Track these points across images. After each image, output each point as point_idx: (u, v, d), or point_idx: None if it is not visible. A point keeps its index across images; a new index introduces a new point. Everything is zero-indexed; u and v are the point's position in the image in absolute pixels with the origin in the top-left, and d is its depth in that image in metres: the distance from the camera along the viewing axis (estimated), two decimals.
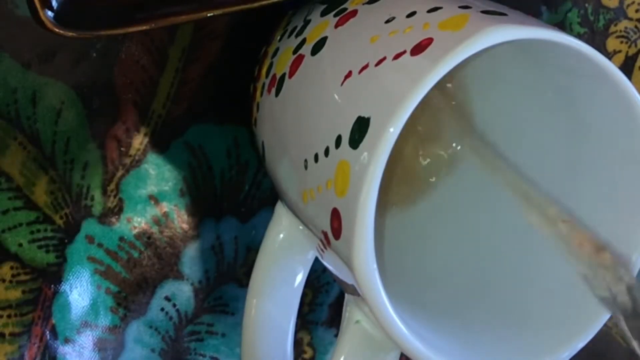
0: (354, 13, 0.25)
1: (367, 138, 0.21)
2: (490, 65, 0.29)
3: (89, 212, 0.30)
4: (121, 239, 0.31)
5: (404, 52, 0.22)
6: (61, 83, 0.29)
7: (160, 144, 0.30)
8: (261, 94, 0.27)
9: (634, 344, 0.21)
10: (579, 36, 0.35)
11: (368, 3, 0.25)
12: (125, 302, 0.31)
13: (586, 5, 0.35)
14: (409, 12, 0.24)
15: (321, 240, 0.24)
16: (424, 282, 0.29)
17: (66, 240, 0.30)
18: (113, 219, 0.30)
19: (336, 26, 0.25)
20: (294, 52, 0.26)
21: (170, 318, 0.32)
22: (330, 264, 0.25)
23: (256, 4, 0.26)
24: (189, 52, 0.30)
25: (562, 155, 0.27)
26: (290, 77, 0.26)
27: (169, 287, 0.32)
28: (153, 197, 0.31)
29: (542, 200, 0.24)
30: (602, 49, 0.36)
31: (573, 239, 0.23)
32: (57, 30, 0.23)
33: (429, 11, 0.23)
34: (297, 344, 0.34)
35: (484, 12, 0.23)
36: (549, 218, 0.24)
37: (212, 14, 0.25)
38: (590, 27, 0.35)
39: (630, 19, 0.36)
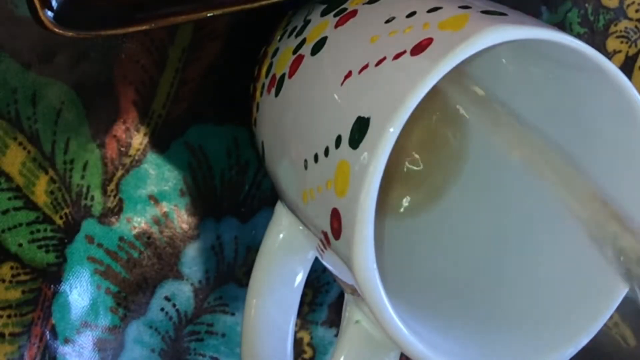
0: (354, 13, 0.25)
1: (367, 138, 0.21)
2: (490, 65, 0.29)
3: (89, 212, 0.30)
4: (121, 239, 0.31)
5: (404, 52, 0.22)
6: (61, 83, 0.29)
7: (160, 144, 0.30)
8: (261, 94, 0.27)
9: None
10: (579, 36, 0.35)
11: (368, 3, 0.25)
12: (125, 302, 0.31)
13: (586, 5, 0.35)
14: (409, 12, 0.24)
15: (321, 240, 0.24)
16: (424, 282, 0.29)
17: (66, 240, 0.30)
18: (113, 219, 0.30)
19: (336, 26, 0.25)
20: (294, 52, 0.26)
21: (170, 318, 0.32)
22: (330, 264, 0.25)
23: (256, 4, 0.26)
24: (189, 52, 0.30)
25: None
26: (290, 77, 0.26)
27: (168, 287, 0.32)
28: (153, 197, 0.31)
29: (568, 172, 0.24)
30: (602, 49, 0.36)
31: (602, 218, 0.23)
32: (56, 30, 0.23)
33: (429, 11, 0.23)
34: (297, 344, 0.34)
35: (484, 12, 0.23)
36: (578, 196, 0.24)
37: (212, 14, 0.25)
38: (590, 27, 0.35)
39: (630, 19, 0.36)
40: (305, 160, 0.24)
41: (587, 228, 0.23)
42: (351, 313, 0.25)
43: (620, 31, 0.36)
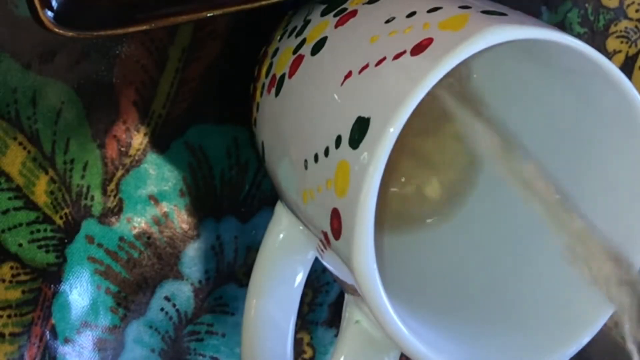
0: (354, 13, 0.25)
1: (367, 138, 0.21)
2: (491, 66, 0.29)
3: (89, 212, 0.30)
4: (121, 239, 0.31)
5: (404, 52, 0.22)
6: (61, 83, 0.29)
7: (160, 144, 0.30)
8: (261, 94, 0.27)
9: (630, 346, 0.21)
10: (579, 36, 0.35)
11: (368, 3, 0.25)
12: (125, 302, 0.31)
13: (586, 5, 0.35)
14: (409, 12, 0.24)
15: (321, 240, 0.24)
16: (424, 283, 0.29)
17: (66, 240, 0.30)
18: (113, 219, 0.30)
19: (336, 26, 0.25)
20: (294, 52, 0.26)
21: (170, 318, 0.32)
22: (330, 264, 0.25)
23: (256, 4, 0.26)
24: (189, 52, 0.30)
25: (562, 155, 0.27)
26: (290, 77, 0.26)
27: (168, 287, 0.32)
28: (153, 197, 0.31)
29: (554, 199, 0.24)
30: (602, 49, 0.36)
31: (584, 244, 0.23)
32: (56, 30, 0.23)
33: (429, 11, 0.23)
34: (297, 344, 0.34)
35: (484, 12, 0.23)
36: (561, 220, 0.24)
37: (212, 14, 0.25)
38: (590, 27, 0.35)
39: (630, 19, 0.36)
40: (305, 160, 0.24)
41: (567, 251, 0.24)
42: (351, 313, 0.25)
43: (620, 31, 0.36)
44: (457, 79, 0.27)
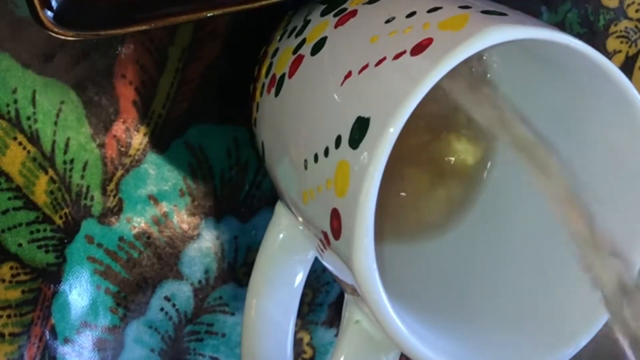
0: (354, 13, 0.25)
1: (367, 138, 0.21)
2: (490, 66, 0.29)
3: (89, 212, 0.30)
4: (121, 239, 0.31)
5: (404, 52, 0.22)
6: (61, 83, 0.29)
7: (160, 144, 0.30)
8: (261, 94, 0.27)
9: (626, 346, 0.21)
10: (579, 36, 0.35)
11: (368, 3, 0.25)
12: (124, 302, 0.31)
13: (586, 5, 0.35)
14: (409, 12, 0.24)
15: (321, 240, 0.24)
16: (424, 284, 0.29)
17: (66, 240, 0.30)
18: (113, 219, 0.30)
19: (336, 26, 0.25)
20: (294, 52, 0.26)
21: (170, 318, 0.32)
22: (330, 264, 0.25)
23: (256, 4, 0.26)
24: (189, 52, 0.30)
25: (562, 155, 0.27)
26: (289, 77, 0.26)
27: (168, 287, 0.32)
28: (153, 197, 0.31)
29: (559, 177, 0.24)
30: (602, 49, 0.36)
31: (590, 240, 0.23)
32: (56, 30, 0.23)
33: (429, 11, 0.23)
34: (297, 344, 0.34)
35: (484, 12, 0.23)
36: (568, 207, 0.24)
37: (212, 14, 0.25)
38: (590, 27, 0.35)
39: (631, 19, 0.36)
40: (305, 160, 0.24)
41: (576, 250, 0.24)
42: (351, 313, 0.25)
43: (620, 31, 0.36)
44: (475, 64, 0.27)
